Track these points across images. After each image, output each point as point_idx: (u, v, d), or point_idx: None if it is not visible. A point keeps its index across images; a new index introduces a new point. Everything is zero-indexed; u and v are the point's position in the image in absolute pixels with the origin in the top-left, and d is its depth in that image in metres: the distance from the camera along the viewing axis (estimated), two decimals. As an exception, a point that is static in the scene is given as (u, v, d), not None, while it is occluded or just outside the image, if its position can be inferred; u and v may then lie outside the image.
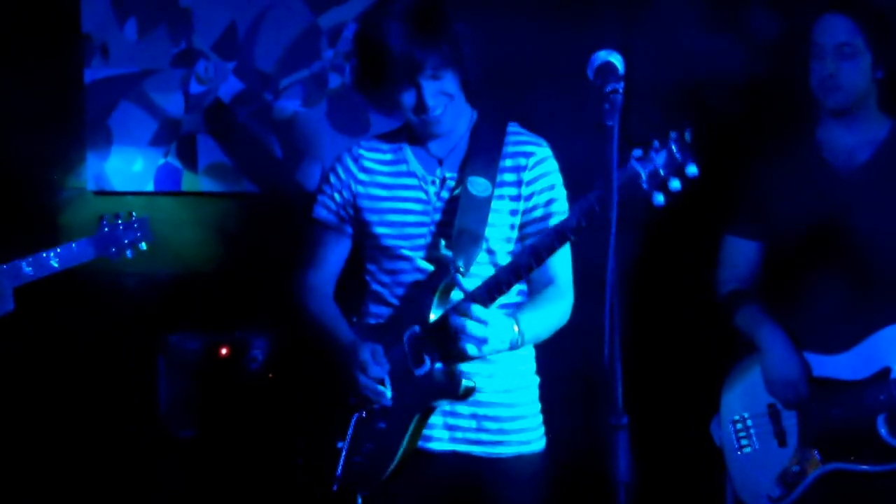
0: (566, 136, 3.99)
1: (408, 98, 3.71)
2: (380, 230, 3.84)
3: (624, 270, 3.32)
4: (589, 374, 3.33)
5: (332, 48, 5.59)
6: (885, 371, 4.00)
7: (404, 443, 3.71)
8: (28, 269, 3.99)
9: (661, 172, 3.16)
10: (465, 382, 3.65)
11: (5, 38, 5.63)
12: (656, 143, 3.18)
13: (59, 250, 4.03)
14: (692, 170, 3.13)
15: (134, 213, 4.19)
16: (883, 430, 4.00)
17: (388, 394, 3.70)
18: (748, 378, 4.26)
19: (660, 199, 3.17)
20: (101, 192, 5.71)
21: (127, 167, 5.70)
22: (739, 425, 4.25)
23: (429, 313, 3.68)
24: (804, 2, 4.30)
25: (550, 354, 3.93)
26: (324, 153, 5.59)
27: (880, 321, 4.04)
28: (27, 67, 5.63)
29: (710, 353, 4.54)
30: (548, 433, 3.93)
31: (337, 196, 3.91)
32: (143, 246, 4.21)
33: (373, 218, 3.85)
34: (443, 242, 3.72)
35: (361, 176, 3.89)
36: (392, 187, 3.86)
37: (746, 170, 4.25)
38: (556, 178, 3.84)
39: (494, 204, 3.76)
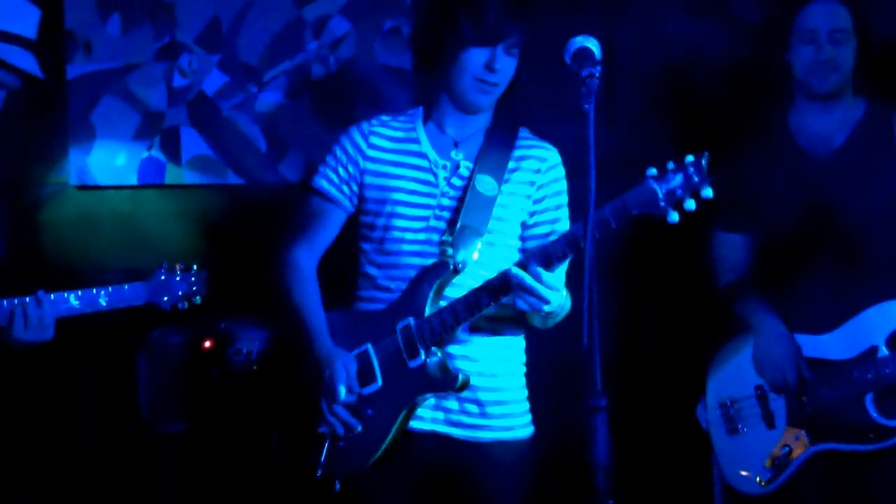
0: (550, 123, 4.00)
1: (479, 56, 3.71)
2: (381, 208, 3.83)
3: (610, 254, 3.41)
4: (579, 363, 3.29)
5: (317, 40, 5.60)
6: (873, 350, 4.03)
7: (392, 432, 3.72)
8: (76, 303, 3.97)
9: (678, 192, 3.27)
10: (461, 376, 3.67)
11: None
12: (672, 165, 3.28)
13: (109, 290, 4.00)
14: (707, 192, 3.23)
15: (194, 266, 4.13)
16: (872, 409, 4.02)
17: (358, 427, 3.73)
18: (734, 361, 4.28)
19: (674, 216, 3.26)
20: (84, 187, 5.71)
21: (110, 161, 5.70)
22: (727, 408, 4.26)
23: (424, 306, 3.70)
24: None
25: (544, 343, 3.94)
26: (308, 145, 5.60)
27: (866, 300, 4.06)
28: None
29: (695, 337, 4.55)
30: (538, 422, 3.92)
31: (342, 170, 3.89)
32: (198, 300, 4.14)
33: (377, 195, 3.85)
34: (445, 233, 3.76)
35: (370, 152, 3.87)
36: (400, 165, 3.85)
37: (726, 164, 4.21)
38: (565, 185, 3.89)
39: (501, 200, 3.79)
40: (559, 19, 4.67)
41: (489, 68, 3.71)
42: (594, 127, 3.02)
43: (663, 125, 4.91)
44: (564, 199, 3.89)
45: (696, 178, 3.24)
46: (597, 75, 3.11)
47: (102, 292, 3.97)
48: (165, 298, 4.06)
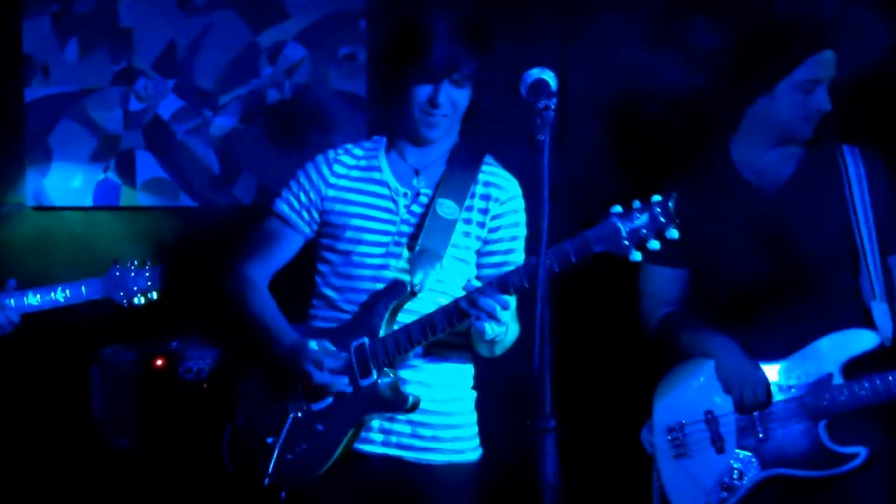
0: (504, 149, 4.00)
1: (422, 91, 3.74)
2: (341, 234, 3.85)
3: (557, 278, 3.39)
4: (529, 386, 3.28)
5: (272, 66, 5.66)
6: (828, 378, 4.01)
7: (340, 447, 3.75)
8: (35, 301, 4.02)
9: (643, 232, 3.28)
10: (412, 397, 3.71)
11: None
12: (637, 204, 3.29)
13: (66, 287, 4.04)
14: (673, 233, 3.25)
15: (148, 262, 4.15)
16: (825, 436, 4.01)
17: (346, 381, 3.72)
18: (682, 386, 4.22)
19: (637, 256, 3.29)
20: (41, 208, 5.77)
21: (66, 183, 5.75)
22: (674, 433, 4.20)
23: (379, 326, 3.73)
24: (782, 38, 4.12)
25: (492, 367, 3.98)
26: (261, 168, 5.66)
27: (821, 329, 4.04)
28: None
29: (640, 361, 4.49)
30: (486, 445, 3.96)
31: (303, 196, 3.92)
32: (154, 295, 4.16)
33: (337, 221, 3.86)
34: (403, 258, 3.79)
35: (333, 180, 3.90)
36: (362, 193, 3.87)
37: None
38: (523, 217, 3.91)
39: (461, 225, 3.82)
40: (514, 47, 4.73)
41: (432, 104, 3.74)
42: (548, 156, 3.04)
43: (617, 154, 4.97)
44: (521, 231, 3.90)
45: (662, 220, 3.25)
46: (552, 107, 3.13)
47: (59, 289, 4.03)
48: (121, 293, 4.08)
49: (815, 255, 4.09)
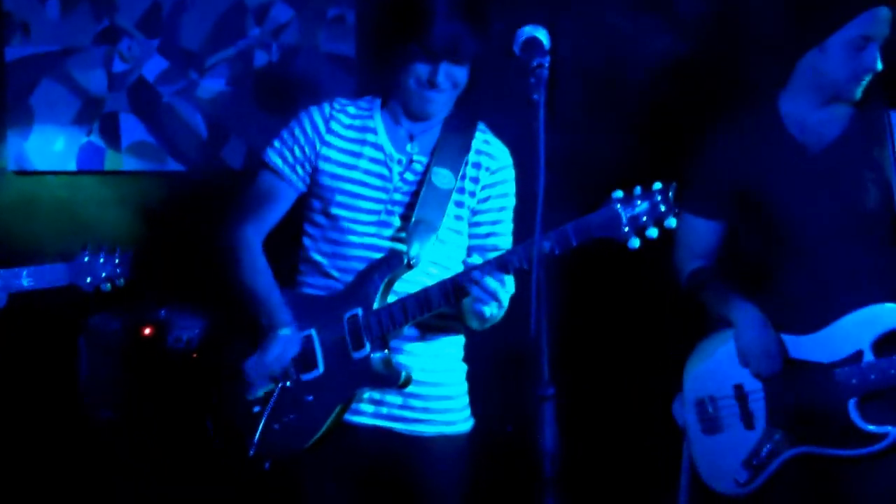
0: (496, 116, 3.97)
1: (421, 70, 3.66)
2: (331, 197, 3.79)
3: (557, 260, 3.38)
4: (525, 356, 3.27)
5: (259, 27, 5.61)
6: (859, 354, 3.92)
7: (328, 421, 3.71)
8: None
9: (643, 219, 3.27)
10: (404, 373, 3.67)
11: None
12: (638, 191, 3.29)
13: (31, 270, 4.02)
14: (671, 222, 3.25)
15: (118, 248, 4.15)
16: (854, 415, 3.91)
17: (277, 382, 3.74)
18: (713, 358, 4.15)
19: (636, 243, 3.28)
20: (22, 172, 5.71)
21: (49, 146, 5.70)
22: (704, 406, 4.14)
23: (374, 298, 3.69)
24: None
25: (484, 337, 3.92)
26: (249, 132, 5.62)
27: (853, 303, 3.95)
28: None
29: (673, 331, 4.43)
30: (480, 416, 3.93)
31: (297, 150, 3.83)
32: (121, 282, 4.17)
33: (328, 183, 3.80)
34: (394, 227, 3.75)
35: (328, 137, 3.81)
36: (355, 155, 3.81)
37: (703, 145, 4.14)
38: (513, 188, 3.88)
39: (456, 195, 3.78)
40: (501, 11, 4.69)
41: (430, 83, 3.68)
42: (544, 116, 3.01)
43: (606, 118, 4.97)
44: (510, 202, 3.87)
45: (662, 207, 3.25)
46: (546, 65, 3.11)
47: (24, 273, 4.01)
48: (88, 280, 4.09)
49: (853, 221, 3.98)
